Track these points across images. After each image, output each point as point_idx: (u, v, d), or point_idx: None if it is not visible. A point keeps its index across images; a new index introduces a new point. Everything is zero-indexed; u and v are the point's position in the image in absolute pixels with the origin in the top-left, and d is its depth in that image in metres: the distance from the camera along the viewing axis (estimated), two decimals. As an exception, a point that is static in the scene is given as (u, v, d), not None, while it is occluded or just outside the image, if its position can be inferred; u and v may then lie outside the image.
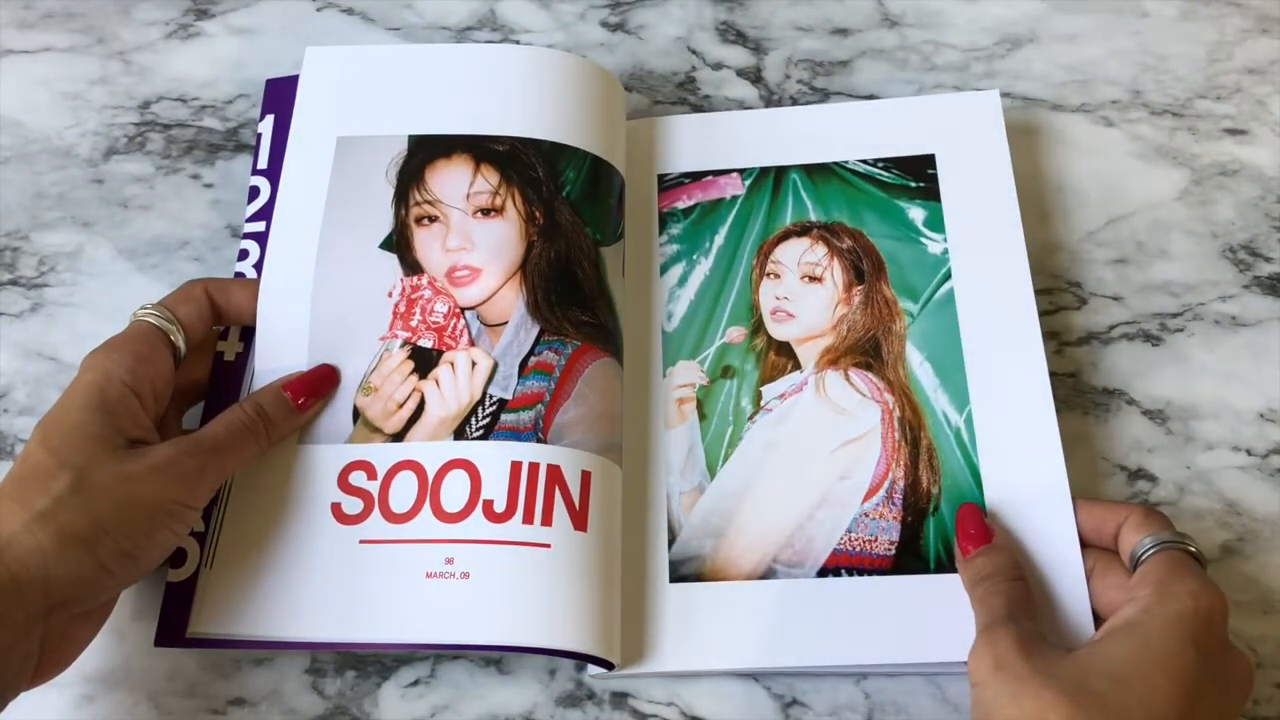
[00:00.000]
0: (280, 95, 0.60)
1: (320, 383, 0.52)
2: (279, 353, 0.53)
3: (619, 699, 0.51)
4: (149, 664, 0.51)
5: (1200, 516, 0.55)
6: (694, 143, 0.62)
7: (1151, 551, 0.47)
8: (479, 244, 0.55)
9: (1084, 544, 0.50)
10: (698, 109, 0.66)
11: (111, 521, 0.44)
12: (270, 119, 0.59)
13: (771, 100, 0.66)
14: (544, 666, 0.52)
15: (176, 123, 0.65)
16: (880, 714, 0.51)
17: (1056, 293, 0.60)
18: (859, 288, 0.56)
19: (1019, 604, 0.47)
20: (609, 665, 0.50)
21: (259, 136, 0.59)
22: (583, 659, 0.50)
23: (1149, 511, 0.49)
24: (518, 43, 0.68)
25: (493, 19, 0.69)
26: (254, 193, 0.58)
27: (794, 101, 0.66)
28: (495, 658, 0.52)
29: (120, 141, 0.64)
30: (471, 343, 0.53)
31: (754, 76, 0.67)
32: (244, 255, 0.57)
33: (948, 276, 0.56)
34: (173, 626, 0.49)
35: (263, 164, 0.58)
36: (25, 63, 0.66)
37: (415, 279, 0.54)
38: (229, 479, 0.51)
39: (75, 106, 0.65)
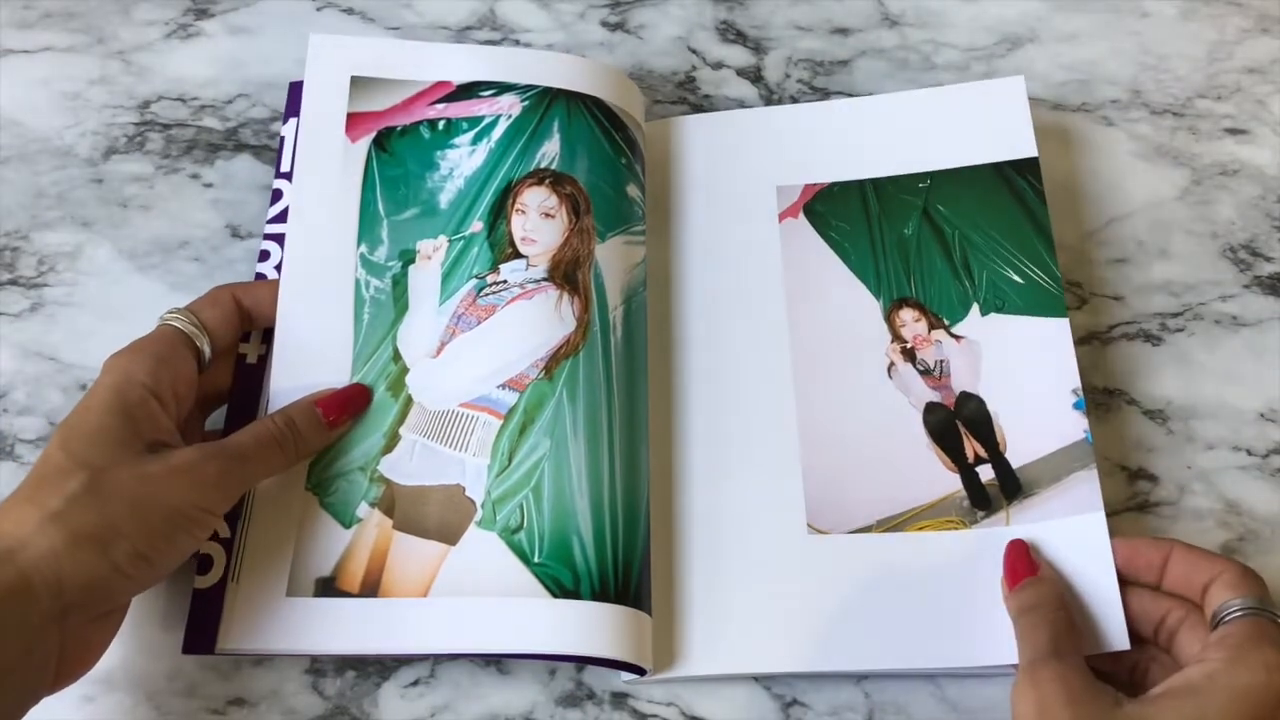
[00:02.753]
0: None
1: (353, 400, 0.52)
2: (314, 364, 0.53)
3: (619, 699, 0.51)
4: (149, 664, 0.51)
5: (1200, 516, 0.55)
6: (704, 143, 0.62)
7: (1237, 614, 0.44)
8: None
9: (1170, 592, 0.48)
10: (698, 108, 0.66)
11: (126, 523, 0.44)
12: (294, 122, 0.58)
13: (771, 100, 0.66)
14: (544, 666, 0.52)
15: (176, 122, 0.64)
16: (880, 714, 0.51)
17: (1056, 293, 0.61)
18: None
19: (1063, 637, 0.46)
20: (640, 671, 0.50)
21: (281, 140, 0.58)
22: (614, 665, 0.50)
23: (1245, 571, 0.46)
24: (518, 42, 0.68)
25: (492, 19, 0.68)
26: (276, 195, 0.57)
27: (794, 101, 0.66)
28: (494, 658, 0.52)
29: (120, 141, 0.64)
30: None
31: (754, 76, 0.67)
32: (265, 256, 0.57)
33: None
34: (201, 635, 0.49)
35: (285, 167, 0.58)
36: (25, 63, 0.66)
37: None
38: (252, 489, 0.51)
39: (75, 106, 0.65)
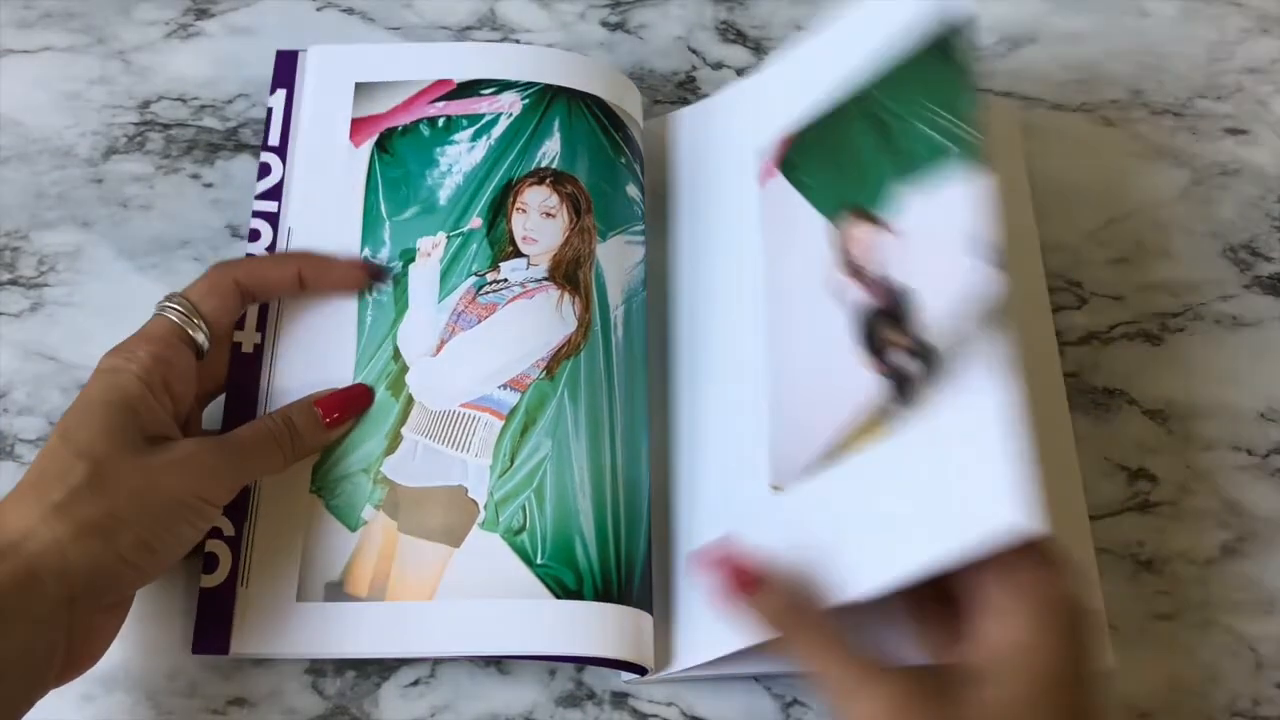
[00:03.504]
0: (291, 68, 0.59)
1: (353, 401, 0.52)
2: (317, 370, 0.53)
3: (619, 699, 0.51)
4: (149, 664, 0.51)
5: (1200, 516, 0.55)
6: (690, 132, 0.62)
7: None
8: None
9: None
10: (698, 109, 0.66)
11: (129, 513, 0.44)
12: (281, 94, 0.58)
13: (771, 100, 0.66)
14: (544, 666, 0.52)
15: (176, 122, 0.64)
16: (880, 714, 0.51)
17: (1057, 292, 0.60)
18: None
19: (831, 670, 0.43)
20: (641, 670, 0.50)
21: (269, 110, 0.58)
22: (615, 665, 0.50)
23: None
24: (518, 42, 0.68)
25: (492, 18, 0.69)
26: (264, 170, 0.57)
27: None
28: (494, 658, 0.52)
29: (120, 141, 0.64)
30: None
31: (754, 76, 0.67)
32: (255, 236, 0.56)
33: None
34: (211, 636, 0.49)
35: (274, 140, 0.58)
36: (25, 62, 0.66)
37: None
38: (256, 487, 0.51)
39: (75, 106, 0.65)
